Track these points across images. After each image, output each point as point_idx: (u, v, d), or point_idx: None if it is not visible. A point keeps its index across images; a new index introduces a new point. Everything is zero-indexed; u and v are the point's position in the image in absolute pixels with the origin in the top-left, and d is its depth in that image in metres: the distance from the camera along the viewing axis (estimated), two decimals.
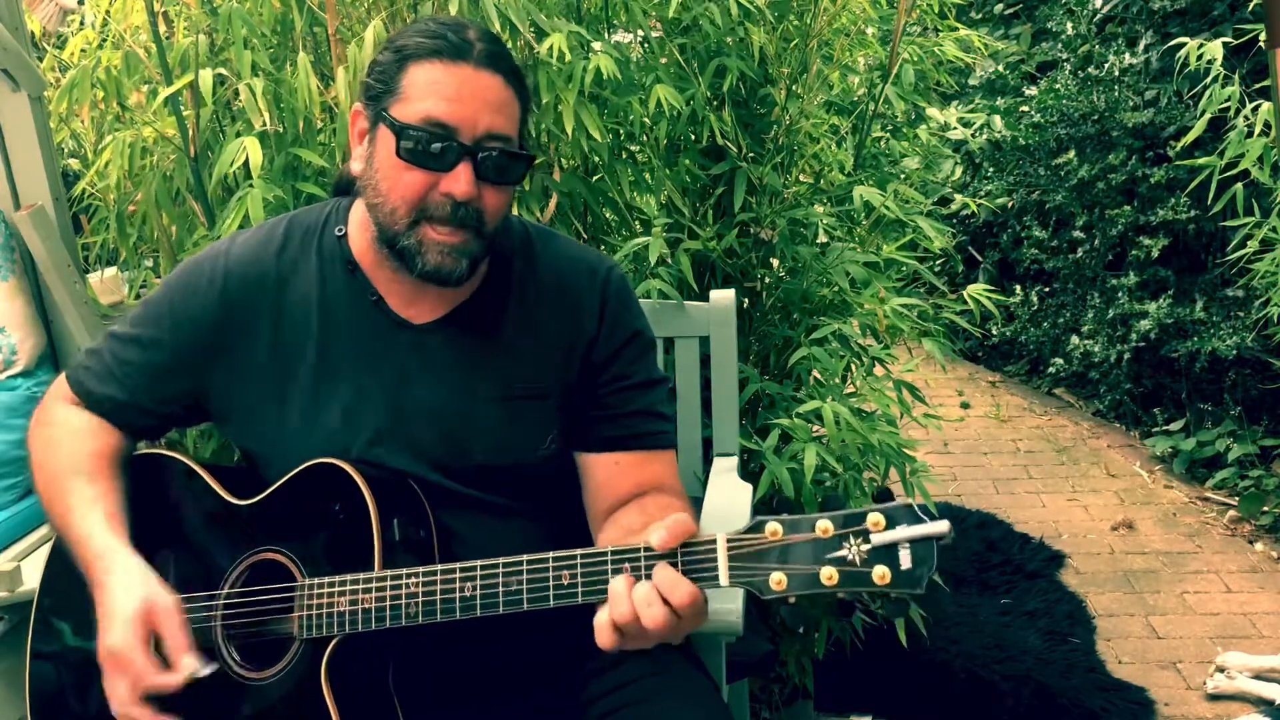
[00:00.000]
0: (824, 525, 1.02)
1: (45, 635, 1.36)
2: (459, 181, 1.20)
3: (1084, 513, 3.51)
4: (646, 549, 1.08)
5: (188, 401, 1.36)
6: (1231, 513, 3.43)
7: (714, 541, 1.06)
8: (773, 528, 1.03)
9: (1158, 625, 2.81)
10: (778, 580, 1.02)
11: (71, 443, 1.34)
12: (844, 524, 1.01)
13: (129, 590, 1.20)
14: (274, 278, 1.33)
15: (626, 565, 1.08)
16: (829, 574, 1.00)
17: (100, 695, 1.29)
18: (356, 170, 1.29)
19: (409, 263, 1.23)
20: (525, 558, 1.12)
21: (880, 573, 0.99)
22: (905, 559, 0.99)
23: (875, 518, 1.01)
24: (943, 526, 0.99)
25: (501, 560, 1.13)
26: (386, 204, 1.23)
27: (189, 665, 1.17)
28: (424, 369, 1.31)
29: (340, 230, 1.34)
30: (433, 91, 1.20)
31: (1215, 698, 2.48)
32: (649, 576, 1.07)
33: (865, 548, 1.00)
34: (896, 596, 1.00)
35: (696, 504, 1.66)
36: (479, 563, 1.14)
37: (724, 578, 1.04)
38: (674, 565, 1.06)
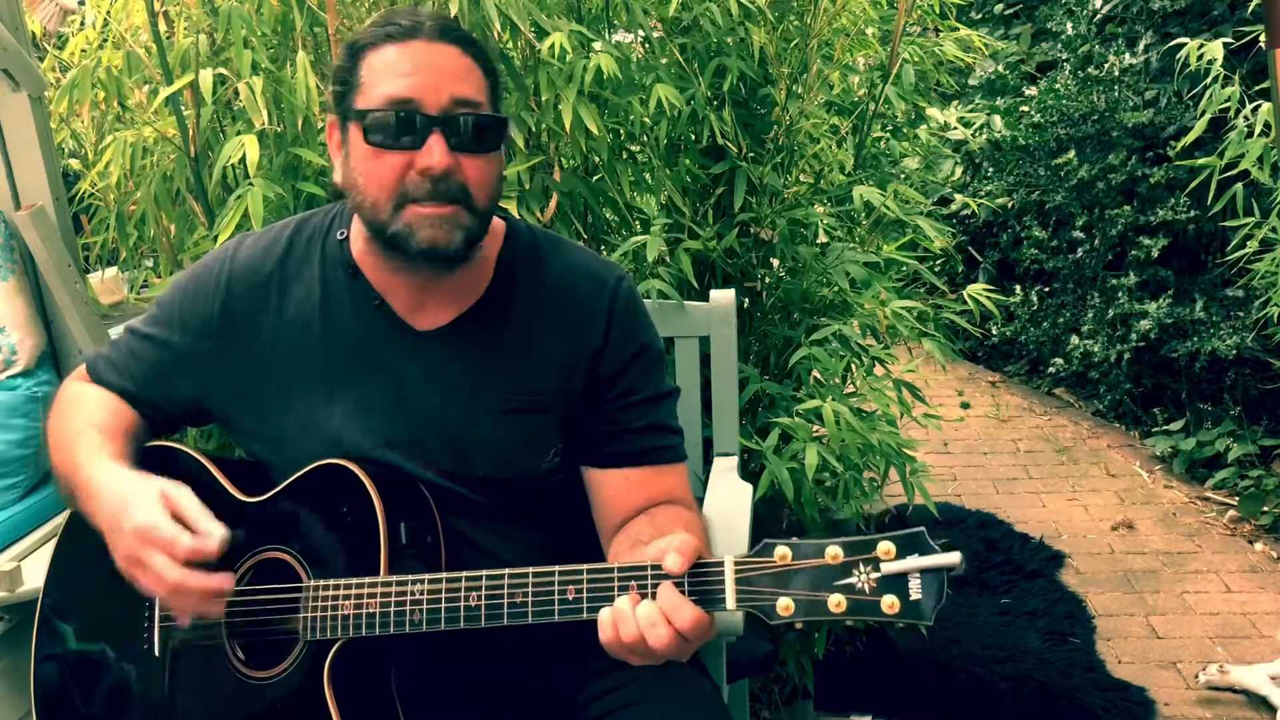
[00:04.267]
0: (833, 552, 1.01)
1: (52, 633, 1.36)
2: (432, 154, 1.17)
3: (1084, 513, 3.51)
4: (654, 568, 1.07)
5: (193, 403, 1.37)
6: (1231, 513, 3.43)
7: (722, 565, 1.05)
8: (781, 552, 1.02)
9: (1158, 625, 2.81)
10: (785, 606, 1.01)
11: (88, 405, 1.35)
12: (854, 551, 1.00)
13: (141, 481, 1.18)
14: (277, 282, 1.33)
15: (633, 584, 1.07)
16: (837, 601, 0.99)
17: (108, 693, 1.29)
18: (338, 180, 1.27)
19: (403, 246, 1.20)
20: (531, 570, 1.11)
21: (889, 602, 0.98)
22: (915, 589, 0.98)
23: (886, 546, 0.99)
24: (954, 558, 0.98)
25: (507, 572, 1.12)
26: (367, 198, 1.21)
27: (218, 528, 1.13)
28: (427, 377, 1.30)
29: (342, 234, 1.33)
30: (389, 72, 1.19)
31: (1212, 701, 2.48)
32: (655, 596, 1.06)
33: (874, 576, 0.99)
34: (905, 626, 0.99)
35: (698, 504, 1.66)
36: (484, 573, 1.13)
37: (730, 601, 1.03)
38: (680, 587, 1.05)
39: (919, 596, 0.98)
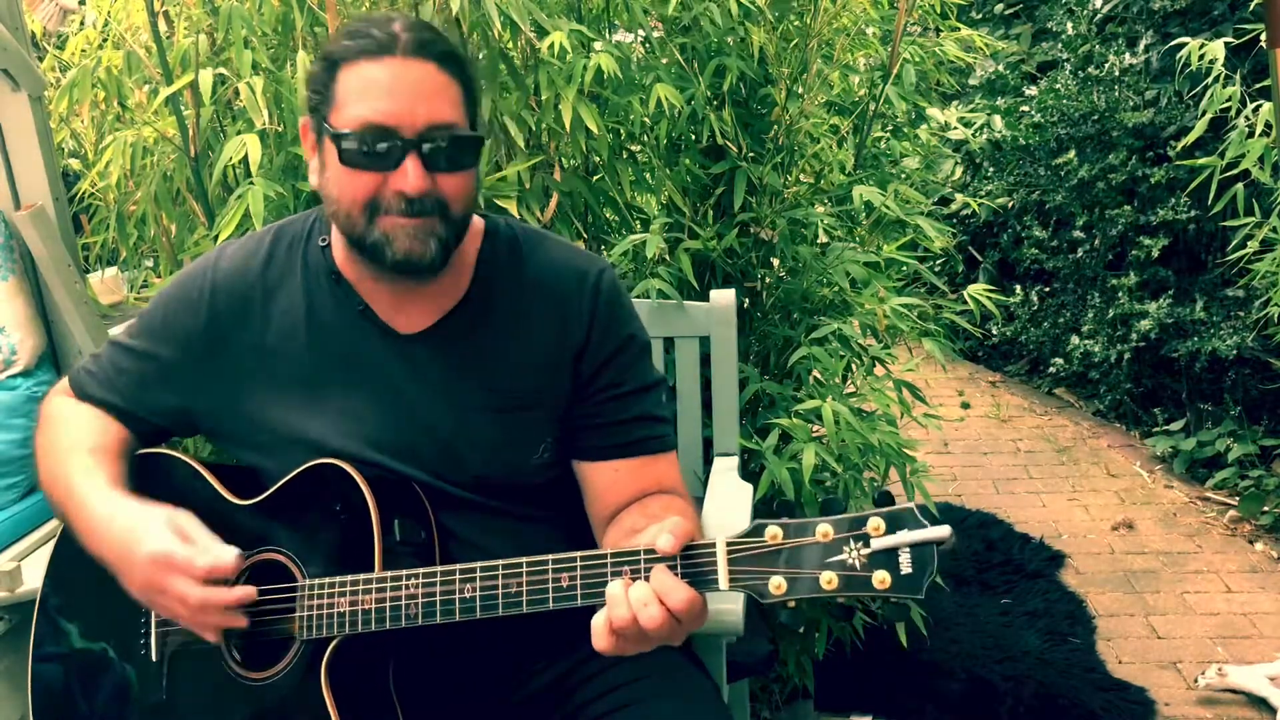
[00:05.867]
0: (824, 529, 1.02)
1: (50, 636, 1.36)
2: (407, 177, 1.17)
3: (1084, 513, 3.51)
4: (647, 552, 1.07)
5: (180, 414, 1.37)
6: (1231, 513, 3.43)
7: (714, 545, 1.05)
8: (773, 531, 1.03)
9: (1158, 625, 2.81)
10: (777, 584, 1.01)
11: (73, 424, 1.35)
12: (844, 528, 1.01)
13: (144, 510, 1.20)
14: (261, 291, 1.33)
15: (626, 569, 1.07)
16: (829, 578, 1.00)
17: (105, 696, 1.29)
18: (313, 183, 1.27)
19: (379, 256, 1.21)
20: (525, 560, 1.12)
21: (880, 577, 0.99)
22: (905, 563, 0.99)
23: (875, 522, 1.00)
24: (943, 532, 0.99)
25: (501, 562, 1.13)
26: (341, 209, 1.22)
27: (230, 550, 1.17)
28: (414, 380, 1.30)
29: (324, 240, 1.33)
30: (365, 93, 1.18)
31: (1212, 701, 2.48)
32: (648, 579, 1.06)
33: (865, 552, 1.00)
34: (896, 601, 0.99)
35: (697, 504, 1.66)
36: (478, 564, 1.13)
37: (723, 581, 1.04)
38: (673, 569, 1.06)
39: (910, 570, 0.99)
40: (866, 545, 1.00)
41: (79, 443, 1.33)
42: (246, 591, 1.17)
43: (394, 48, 1.18)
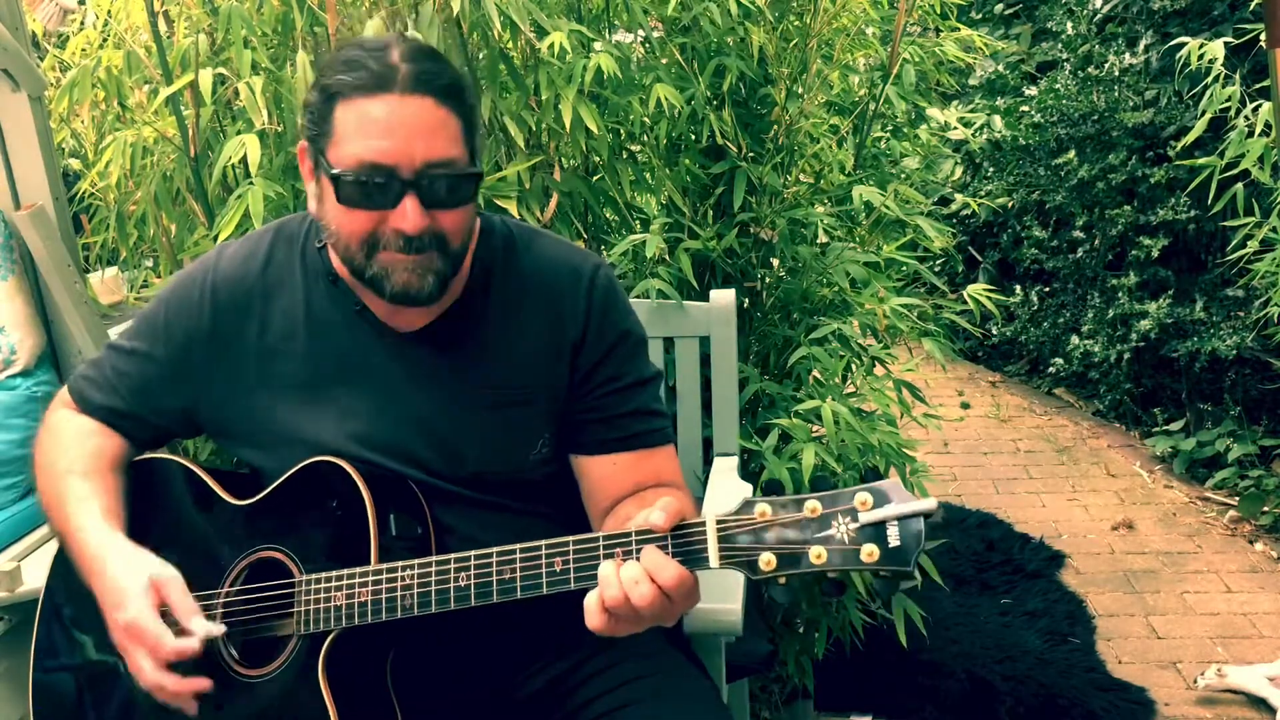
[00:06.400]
0: (812, 505, 1.02)
1: (51, 638, 1.37)
2: (406, 218, 1.17)
3: (1084, 513, 3.51)
4: (638, 533, 1.08)
5: (182, 415, 1.37)
6: (1231, 513, 3.43)
7: (703, 523, 1.06)
8: (761, 509, 1.04)
9: (1158, 625, 2.81)
10: (767, 560, 1.02)
11: (71, 444, 1.36)
12: (832, 503, 1.02)
13: (131, 568, 1.21)
14: (260, 292, 1.33)
15: (618, 551, 1.08)
16: (818, 553, 1.01)
17: (103, 697, 1.30)
18: (312, 208, 1.27)
19: (378, 288, 1.22)
20: (518, 546, 1.12)
21: (868, 550, 0.99)
22: (893, 537, 0.99)
23: (863, 497, 1.01)
24: (929, 504, 0.99)
25: (495, 549, 1.13)
26: (340, 241, 1.22)
27: (201, 626, 1.18)
28: (411, 378, 1.30)
29: (320, 242, 1.33)
30: (362, 132, 1.16)
31: (1212, 701, 2.48)
32: (639, 558, 1.07)
33: (853, 526, 1.01)
34: (886, 574, 1.00)
35: (697, 504, 1.66)
36: (473, 553, 1.14)
37: (714, 559, 1.05)
38: (664, 548, 1.06)
39: (898, 544, 0.99)
40: (854, 520, 1.01)
41: (74, 465, 1.33)
42: (198, 685, 1.19)
43: (392, 83, 1.16)
